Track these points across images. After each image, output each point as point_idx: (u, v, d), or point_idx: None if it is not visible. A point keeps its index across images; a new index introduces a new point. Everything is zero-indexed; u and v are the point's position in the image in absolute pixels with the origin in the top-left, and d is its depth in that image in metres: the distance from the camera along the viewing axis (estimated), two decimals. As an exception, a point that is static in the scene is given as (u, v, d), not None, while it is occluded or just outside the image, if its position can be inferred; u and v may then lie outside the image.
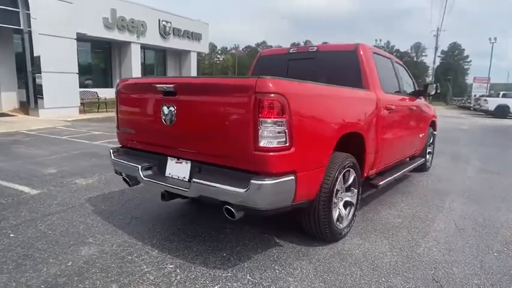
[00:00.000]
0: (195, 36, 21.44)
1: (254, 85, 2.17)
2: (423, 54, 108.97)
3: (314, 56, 3.97)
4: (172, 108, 2.60)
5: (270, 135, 2.19)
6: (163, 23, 19.12)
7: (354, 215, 3.23)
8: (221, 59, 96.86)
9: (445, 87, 67.50)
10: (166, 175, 2.84)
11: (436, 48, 51.14)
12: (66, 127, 10.49)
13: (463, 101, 39.93)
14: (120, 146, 3.32)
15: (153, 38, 18.56)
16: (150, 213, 3.69)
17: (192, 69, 21.70)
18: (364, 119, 3.24)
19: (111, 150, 3.21)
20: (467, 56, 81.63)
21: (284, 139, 2.23)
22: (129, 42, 17.42)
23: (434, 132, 6.19)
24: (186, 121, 2.56)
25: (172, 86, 2.55)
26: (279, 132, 2.20)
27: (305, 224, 2.92)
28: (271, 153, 2.21)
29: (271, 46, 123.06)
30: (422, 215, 3.81)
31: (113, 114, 13.05)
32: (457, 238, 3.21)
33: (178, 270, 2.56)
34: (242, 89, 2.25)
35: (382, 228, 3.40)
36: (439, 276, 2.54)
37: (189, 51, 21.52)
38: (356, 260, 2.76)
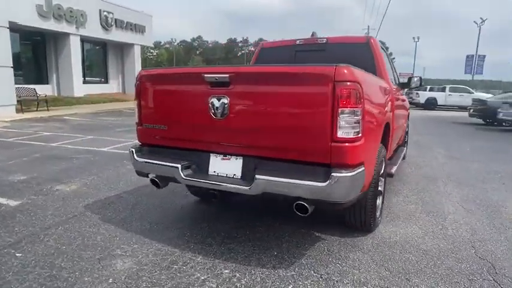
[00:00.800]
0: (139, 29, 20.21)
1: (333, 73, 2.09)
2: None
3: (324, 47, 3.97)
4: (225, 101, 2.39)
5: (347, 126, 2.13)
6: (105, 13, 17.67)
7: (382, 203, 3.31)
8: (155, 53, 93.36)
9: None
10: (210, 173, 2.62)
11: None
12: (7, 128, 9.19)
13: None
14: (141, 144, 2.98)
15: (93, 29, 17.04)
16: (167, 217, 3.39)
17: (136, 63, 20.43)
18: (390, 109, 3.33)
19: (133, 150, 2.86)
20: (391, 53, 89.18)
21: (358, 129, 2.19)
22: (68, 34, 15.77)
23: (408, 122, 6.63)
24: (242, 114, 2.37)
25: (227, 76, 2.34)
26: (355, 122, 2.15)
27: (351, 215, 2.91)
28: (348, 144, 2.16)
29: (207, 41, 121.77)
30: (429, 199, 4.06)
31: (56, 113, 11.62)
32: (471, 219, 3.47)
33: (238, 275, 2.39)
34: (318, 77, 2.14)
35: (404, 215, 3.54)
36: (482, 254, 2.71)
37: (133, 45, 20.20)
38: (403, 246, 2.83)
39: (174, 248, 2.75)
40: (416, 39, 45.91)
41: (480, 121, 14.20)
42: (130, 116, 13.08)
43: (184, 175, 2.56)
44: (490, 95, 22.22)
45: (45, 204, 3.63)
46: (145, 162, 2.78)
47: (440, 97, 24.43)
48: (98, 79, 19.41)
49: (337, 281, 2.32)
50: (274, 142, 2.34)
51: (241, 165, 2.51)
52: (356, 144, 2.19)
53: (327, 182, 2.11)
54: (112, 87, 20.04)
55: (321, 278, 2.36)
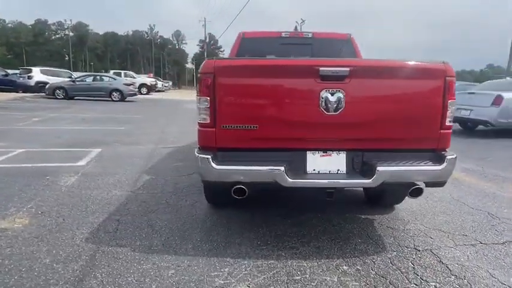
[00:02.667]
0: None
1: (444, 69, 2.36)
2: (183, 42, 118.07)
3: (311, 42, 4.15)
4: (340, 95, 2.31)
5: (451, 114, 2.46)
6: None
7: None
8: None
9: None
10: (308, 172, 2.48)
11: (206, 37, 57.23)
12: None
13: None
14: (205, 148, 2.47)
15: None
16: (210, 231, 2.94)
17: None
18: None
19: (209, 157, 2.35)
20: (221, 46, 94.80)
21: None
22: None
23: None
24: (356, 108, 2.34)
25: (347, 69, 2.26)
26: (452, 111, 2.49)
27: (391, 194, 3.27)
28: (449, 131, 2.50)
29: (4, 20, 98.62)
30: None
31: None
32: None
33: (359, 267, 2.43)
34: (434, 72, 2.36)
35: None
36: (475, 206, 3.61)
37: None
38: (428, 212, 3.45)
39: (267, 260, 2.49)
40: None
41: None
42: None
43: (290, 177, 2.34)
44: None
45: (20, 252, 2.50)
46: (232, 169, 2.35)
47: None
48: None
49: (431, 250, 2.67)
50: (383, 134, 2.44)
51: (345, 160, 2.49)
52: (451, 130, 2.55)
53: (444, 165, 2.39)
54: None
55: (418, 250, 2.66)
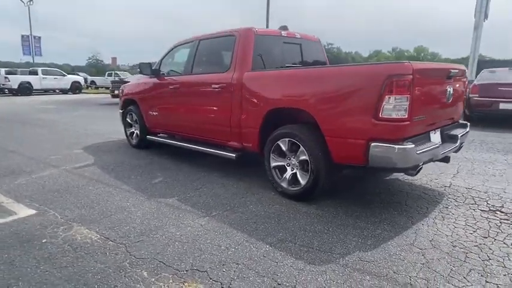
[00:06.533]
0: None
1: (466, 69, 3.83)
2: None
3: (300, 42, 4.66)
4: (452, 89, 3.30)
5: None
6: None
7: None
8: None
9: None
10: None
11: None
12: None
13: None
14: (386, 140, 2.82)
15: None
16: (326, 224, 3.17)
17: None
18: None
19: (412, 146, 2.75)
20: None
21: None
22: None
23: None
24: (453, 97, 3.41)
25: (456, 71, 3.27)
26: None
27: None
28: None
29: None
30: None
31: None
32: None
33: (453, 209, 3.58)
34: (464, 72, 3.76)
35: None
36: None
37: None
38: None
39: (401, 231, 3.16)
40: None
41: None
42: None
43: (441, 151, 3.17)
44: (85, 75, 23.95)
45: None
46: (425, 152, 2.89)
47: (35, 81, 22.89)
48: None
49: (451, 185, 4.17)
50: (452, 114, 3.67)
51: (439, 135, 3.51)
52: None
53: (468, 129, 3.92)
54: None
55: (448, 186, 4.09)
